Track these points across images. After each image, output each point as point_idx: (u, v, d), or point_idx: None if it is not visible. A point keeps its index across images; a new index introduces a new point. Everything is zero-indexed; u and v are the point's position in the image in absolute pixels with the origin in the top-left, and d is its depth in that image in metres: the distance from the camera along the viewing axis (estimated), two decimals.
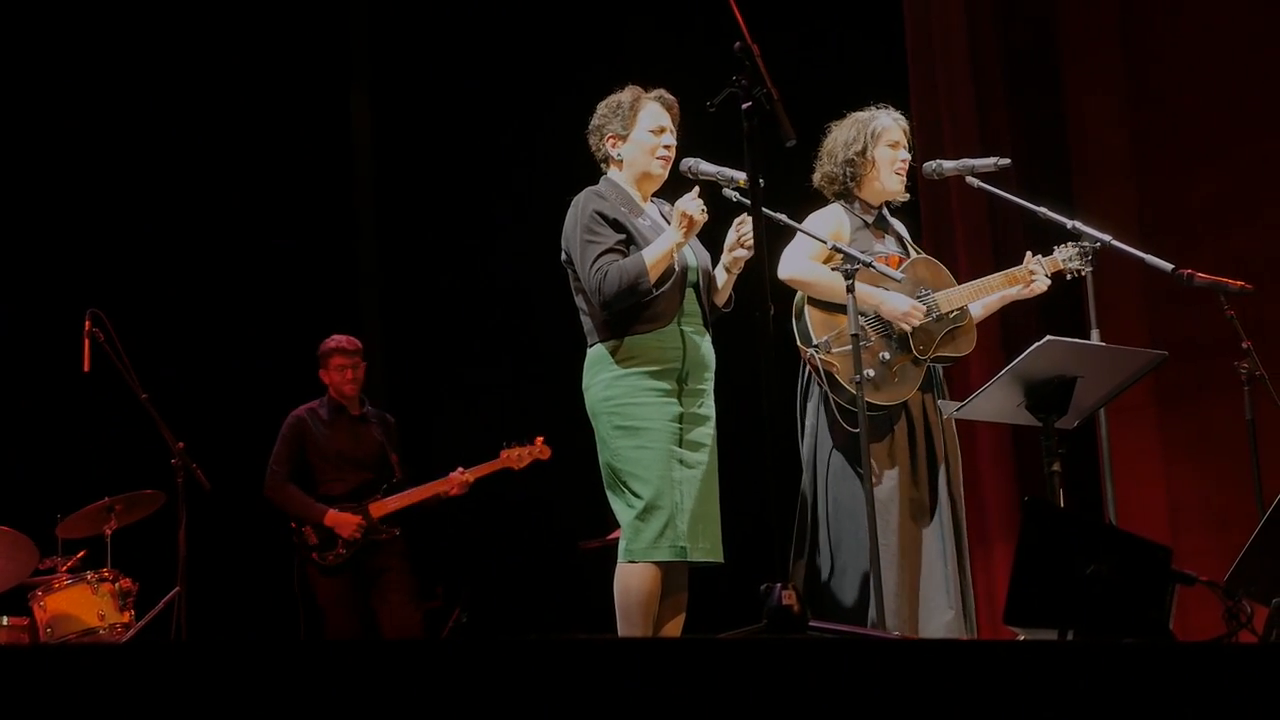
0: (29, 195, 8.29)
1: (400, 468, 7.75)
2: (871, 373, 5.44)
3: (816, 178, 5.84)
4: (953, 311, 5.67)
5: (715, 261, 5.37)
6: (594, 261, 5.17)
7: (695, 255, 5.33)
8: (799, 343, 5.61)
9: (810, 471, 5.64)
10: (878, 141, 5.73)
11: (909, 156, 5.78)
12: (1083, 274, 5.60)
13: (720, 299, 5.37)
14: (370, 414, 7.86)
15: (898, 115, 5.83)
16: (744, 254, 5.22)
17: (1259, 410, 6.15)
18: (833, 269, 5.46)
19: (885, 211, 5.84)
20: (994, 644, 4.22)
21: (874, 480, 5.39)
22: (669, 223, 5.32)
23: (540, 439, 7.61)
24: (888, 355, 5.57)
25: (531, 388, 8.23)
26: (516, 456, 7.58)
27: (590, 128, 5.44)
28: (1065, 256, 5.69)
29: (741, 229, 5.19)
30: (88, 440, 7.93)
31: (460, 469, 7.62)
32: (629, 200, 5.34)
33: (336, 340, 7.81)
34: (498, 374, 8.68)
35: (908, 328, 5.58)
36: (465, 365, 8.78)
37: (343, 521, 7.51)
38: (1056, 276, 5.78)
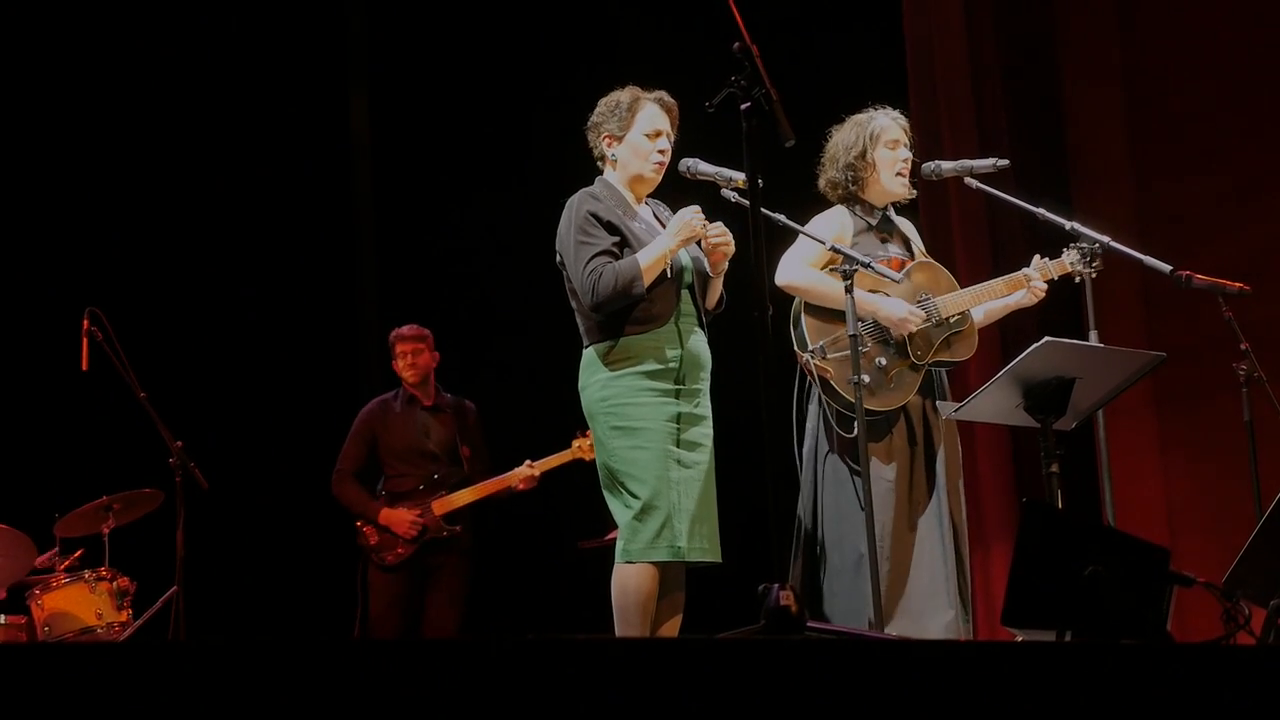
0: (28, 194, 8.28)
1: (470, 461, 7.62)
2: (867, 378, 5.42)
3: (821, 184, 5.85)
4: (953, 316, 5.67)
5: None
6: (587, 263, 5.17)
7: (690, 256, 5.32)
8: (795, 348, 5.62)
9: (810, 473, 5.65)
10: (876, 143, 5.73)
11: (910, 155, 5.77)
12: (1093, 276, 5.59)
13: (710, 302, 5.37)
14: (446, 403, 7.75)
15: (896, 114, 5.83)
16: (719, 260, 5.23)
17: (1257, 411, 6.15)
18: (832, 270, 5.46)
19: (890, 213, 5.84)
20: (992, 645, 4.22)
21: (871, 483, 5.38)
22: (663, 224, 5.33)
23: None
24: (884, 360, 5.56)
25: (530, 389, 8.23)
26: (589, 446, 7.27)
27: (589, 124, 5.44)
28: (1072, 260, 5.69)
29: (711, 235, 5.18)
30: (86, 439, 7.92)
31: (528, 462, 7.51)
32: (623, 202, 5.34)
33: (398, 329, 7.74)
34: (496, 376, 8.67)
35: (905, 333, 5.58)
36: (464, 367, 8.76)
37: (397, 520, 7.42)
38: (1065, 279, 5.77)
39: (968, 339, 5.72)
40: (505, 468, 7.60)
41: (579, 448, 7.43)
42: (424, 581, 7.51)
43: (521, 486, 7.51)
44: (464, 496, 7.51)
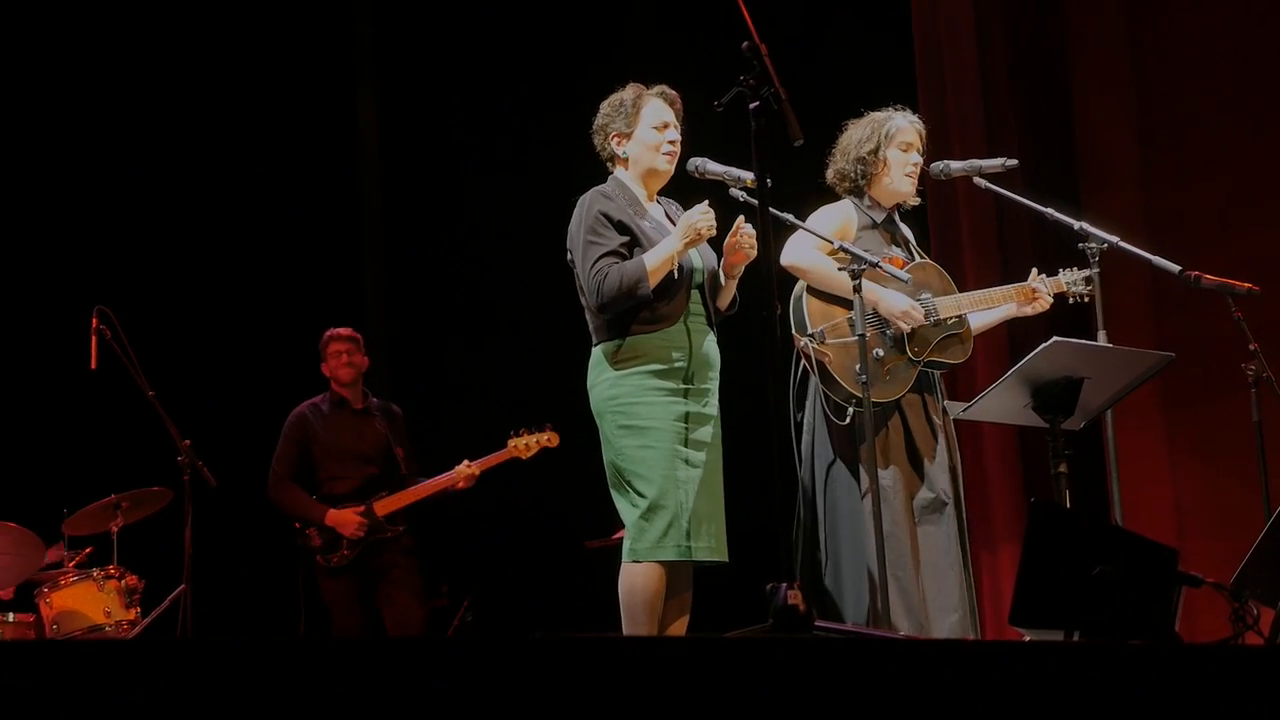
0: (36, 193, 8.30)
1: (406, 463, 7.62)
2: (864, 378, 5.39)
3: (829, 174, 5.84)
4: (951, 318, 5.66)
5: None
6: (595, 263, 5.18)
7: (701, 256, 5.32)
8: (793, 330, 5.59)
9: (809, 469, 5.62)
10: (891, 142, 5.73)
11: (920, 160, 5.77)
12: (1085, 300, 5.60)
13: (723, 303, 5.36)
14: (374, 406, 7.73)
15: (914, 118, 5.83)
16: (738, 262, 5.23)
17: (1266, 411, 6.15)
18: (839, 269, 5.46)
19: (896, 215, 5.83)
20: (1000, 645, 4.21)
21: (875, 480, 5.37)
22: (673, 222, 5.32)
23: (549, 425, 7.44)
24: (881, 352, 5.54)
25: (537, 386, 8.23)
26: (524, 445, 7.40)
27: (594, 127, 5.44)
28: (1070, 280, 5.70)
29: (738, 235, 5.19)
30: (94, 437, 7.93)
31: (466, 462, 7.49)
32: (635, 201, 5.34)
33: (332, 330, 7.72)
34: (502, 372, 8.68)
35: (905, 328, 5.57)
36: (470, 362, 8.78)
37: (344, 521, 7.39)
38: (1059, 298, 5.78)
39: (964, 343, 5.70)
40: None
41: (514, 447, 7.44)
42: (373, 583, 7.48)
43: (461, 485, 7.51)
44: (406, 497, 7.50)
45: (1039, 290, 5.74)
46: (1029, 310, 5.78)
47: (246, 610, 7.70)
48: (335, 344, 7.68)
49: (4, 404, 7.92)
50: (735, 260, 5.25)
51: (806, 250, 5.57)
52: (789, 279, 5.61)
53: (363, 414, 7.70)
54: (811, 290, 5.59)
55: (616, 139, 5.38)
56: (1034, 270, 5.79)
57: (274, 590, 7.82)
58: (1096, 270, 5.52)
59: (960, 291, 5.76)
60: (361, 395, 7.74)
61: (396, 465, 7.61)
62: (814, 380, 5.57)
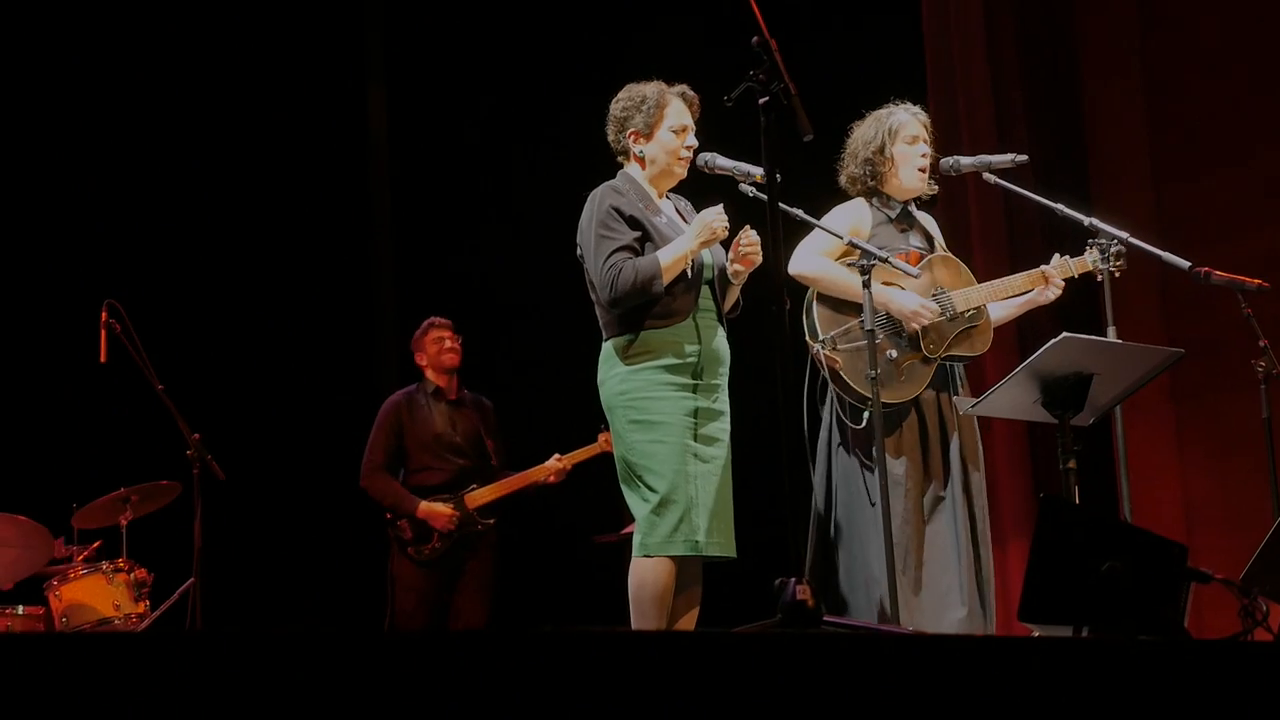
0: (46, 187, 8.31)
1: (497, 454, 7.61)
2: (873, 372, 5.39)
3: (842, 180, 5.83)
4: (968, 311, 5.66)
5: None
6: (607, 258, 5.17)
7: (711, 252, 5.32)
8: (807, 337, 5.61)
9: (824, 465, 5.64)
10: (895, 138, 5.72)
11: (929, 151, 5.76)
12: (1116, 274, 5.56)
13: (726, 305, 5.36)
14: (467, 398, 7.72)
15: (916, 110, 5.82)
16: (742, 269, 5.23)
17: (1276, 408, 6.13)
18: (849, 264, 5.46)
19: (911, 207, 5.83)
20: (1008, 640, 4.21)
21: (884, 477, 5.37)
22: (686, 220, 5.32)
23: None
24: (895, 354, 5.55)
25: (546, 382, 8.23)
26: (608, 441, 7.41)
27: (611, 117, 5.41)
28: (1094, 258, 5.66)
29: (742, 243, 5.18)
30: (104, 431, 7.94)
31: (556, 456, 7.49)
32: (646, 197, 5.34)
33: (432, 318, 7.71)
34: (513, 368, 8.68)
35: (917, 326, 5.57)
36: (480, 360, 8.77)
37: (436, 514, 7.38)
38: (1086, 277, 5.74)
39: (983, 334, 5.71)
40: (527, 463, 7.59)
41: (605, 441, 7.37)
42: (453, 576, 7.48)
43: (552, 480, 7.50)
44: (495, 490, 7.49)
45: (1051, 276, 5.72)
46: (1043, 299, 5.76)
47: (256, 603, 7.71)
48: (436, 330, 7.67)
49: (14, 398, 7.94)
50: (742, 266, 5.24)
51: (813, 258, 5.58)
52: None
53: (456, 405, 7.68)
54: (821, 298, 5.60)
55: (634, 136, 5.36)
56: (1056, 255, 5.76)
57: (285, 583, 7.83)
58: (1106, 266, 5.51)
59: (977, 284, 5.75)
60: (457, 386, 7.72)
61: (488, 458, 7.60)
62: (826, 378, 5.59)
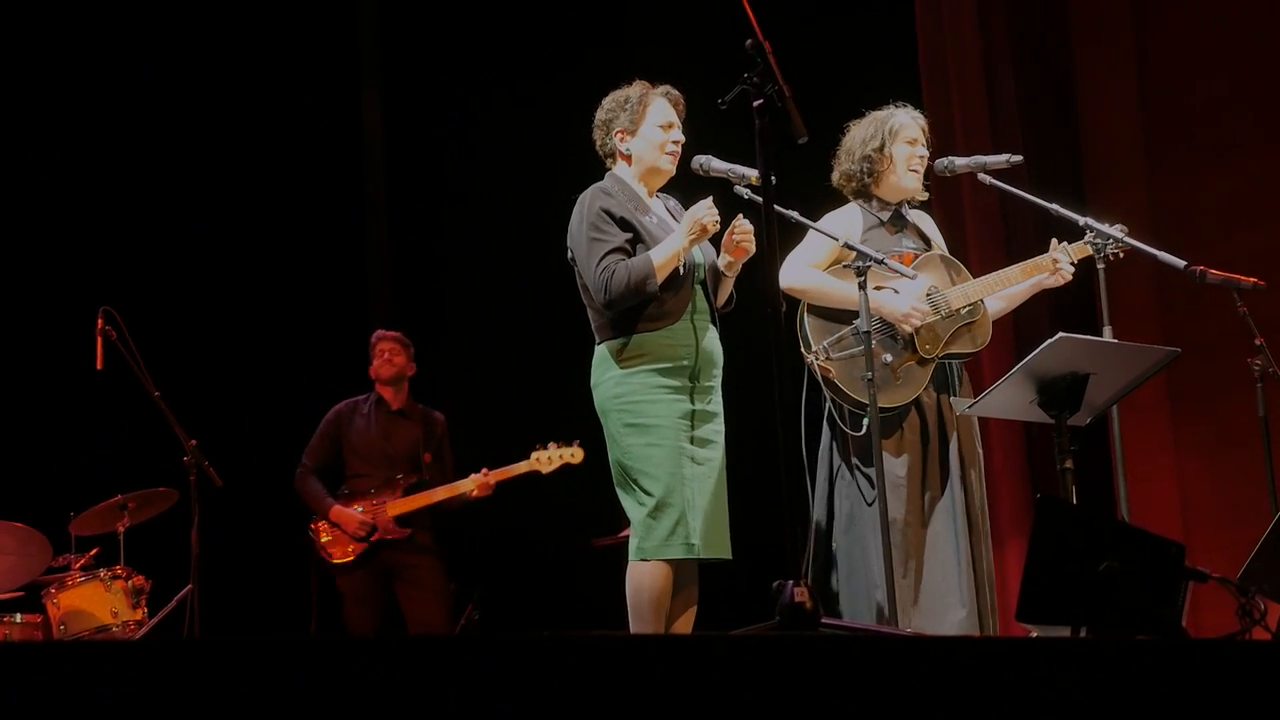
0: (41, 193, 8.30)
1: (430, 469, 7.65)
2: (869, 375, 5.38)
3: (835, 176, 5.84)
4: (964, 308, 5.66)
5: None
6: (600, 260, 5.17)
7: (702, 252, 5.32)
8: (802, 349, 5.61)
9: (826, 468, 5.64)
10: (895, 139, 5.72)
11: (926, 154, 5.77)
12: (1116, 258, 5.54)
13: (719, 300, 5.36)
14: (415, 410, 7.79)
15: (916, 113, 5.83)
16: (733, 259, 5.22)
17: (1272, 407, 6.14)
18: (845, 266, 5.46)
19: (904, 209, 5.82)
20: (1006, 641, 4.21)
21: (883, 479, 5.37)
22: (675, 219, 5.32)
23: (578, 441, 7.41)
24: (890, 358, 5.55)
25: (543, 386, 8.22)
26: (546, 459, 7.42)
27: (596, 122, 5.44)
28: (1091, 239, 5.61)
29: (735, 232, 5.18)
30: (101, 438, 7.94)
31: (484, 470, 7.51)
32: (635, 197, 5.34)
33: (381, 330, 7.87)
34: (508, 373, 8.68)
35: (909, 328, 5.57)
36: (477, 364, 8.77)
37: (346, 519, 7.47)
38: (1085, 262, 5.72)
39: (981, 330, 5.70)
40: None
41: (536, 459, 7.47)
42: (389, 581, 7.53)
43: (476, 494, 7.52)
44: (416, 500, 7.54)
45: (1060, 260, 5.70)
46: (1053, 282, 5.73)
47: (253, 610, 7.70)
48: (382, 343, 7.81)
49: (10, 405, 7.94)
50: (734, 256, 5.24)
51: (801, 270, 5.58)
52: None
53: (398, 415, 7.77)
54: (812, 309, 5.60)
55: (620, 134, 5.37)
56: (1054, 241, 5.75)
57: (281, 590, 7.83)
58: (1113, 254, 5.51)
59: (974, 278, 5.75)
60: (404, 398, 7.80)
61: (421, 470, 7.64)
62: (823, 387, 5.59)
